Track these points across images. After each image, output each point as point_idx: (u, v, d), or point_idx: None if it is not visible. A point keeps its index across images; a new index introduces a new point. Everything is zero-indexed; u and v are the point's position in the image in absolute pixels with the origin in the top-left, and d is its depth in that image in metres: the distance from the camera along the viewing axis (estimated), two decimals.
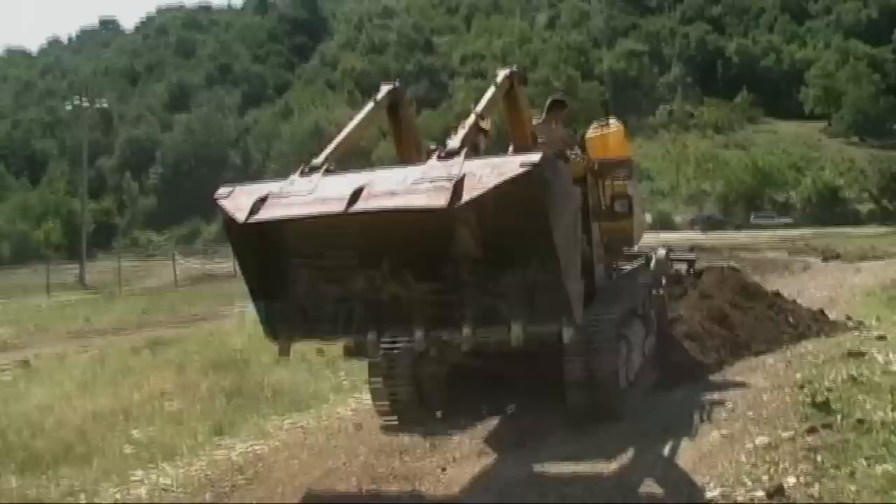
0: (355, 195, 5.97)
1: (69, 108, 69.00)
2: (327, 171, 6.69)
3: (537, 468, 7.31)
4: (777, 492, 5.73)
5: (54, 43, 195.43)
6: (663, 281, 11.93)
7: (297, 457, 8.22)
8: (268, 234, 6.65)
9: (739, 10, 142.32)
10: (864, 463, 6.12)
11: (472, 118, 7.45)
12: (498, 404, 9.15)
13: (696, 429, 7.98)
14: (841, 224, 70.48)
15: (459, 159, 6.18)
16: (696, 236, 63.74)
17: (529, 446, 7.87)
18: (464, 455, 7.85)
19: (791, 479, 6.00)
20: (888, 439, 6.48)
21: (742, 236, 61.75)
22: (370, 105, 8.09)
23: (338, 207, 5.99)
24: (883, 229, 63.66)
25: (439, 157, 6.33)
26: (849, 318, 14.10)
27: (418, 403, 9.18)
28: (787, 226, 73.43)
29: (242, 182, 7.08)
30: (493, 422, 8.82)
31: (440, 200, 5.72)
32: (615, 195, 10.27)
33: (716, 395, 9.15)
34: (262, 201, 6.37)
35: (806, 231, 65.11)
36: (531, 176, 5.73)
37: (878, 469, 5.93)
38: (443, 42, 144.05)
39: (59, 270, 53.75)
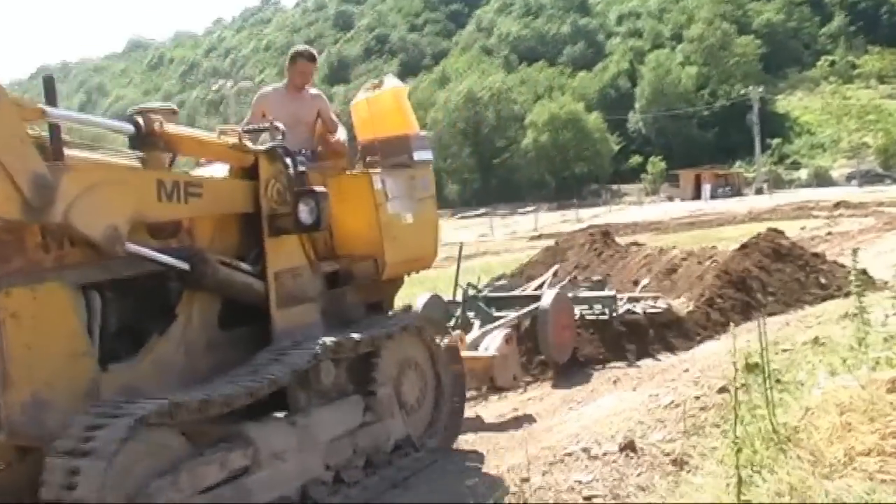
0: None
1: (214, 88, 72.42)
2: None
3: None
4: (628, 446, 6.04)
5: (218, 23, 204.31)
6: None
7: None
8: None
9: None
10: (747, 421, 6.29)
11: None
12: None
13: (630, 389, 8.25)
14: None
15: None
16: (852, 191, 61.62)
17: None
18: None
19: (657, 435, 6.31)
20: (783, 399, 6.59)
21: None
22: None
23: None
24: None
25: None
26: None
27: None
28: None
29: None
30: None
31: None
32: (300, 193, 6.03)
33: (685, 358, 9.41)
34: None
35: None
36: None
37: (749, 428, 6.07)
38: (599, 2, 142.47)
39: None
